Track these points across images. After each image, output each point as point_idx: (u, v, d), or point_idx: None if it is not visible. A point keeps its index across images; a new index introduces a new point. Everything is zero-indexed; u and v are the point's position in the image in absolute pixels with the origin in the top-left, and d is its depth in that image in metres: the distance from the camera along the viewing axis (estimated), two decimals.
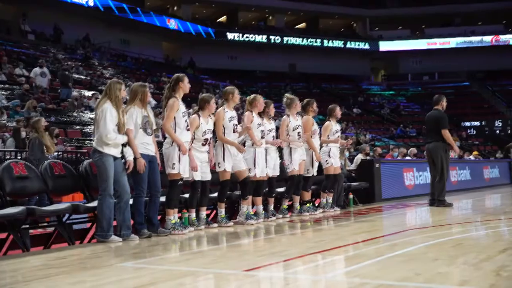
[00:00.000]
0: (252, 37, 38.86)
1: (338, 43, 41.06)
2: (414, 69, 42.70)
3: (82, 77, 22.29)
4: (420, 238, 5.74)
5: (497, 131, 35.22)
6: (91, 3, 30.60)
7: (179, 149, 6.25)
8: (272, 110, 7.90)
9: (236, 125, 7.18)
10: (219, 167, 7.09)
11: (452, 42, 41.66)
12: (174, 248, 5.46)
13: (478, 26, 42.26)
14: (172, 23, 35.87)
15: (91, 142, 14.02)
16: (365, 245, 5.36)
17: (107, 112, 5.70)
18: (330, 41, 40.78)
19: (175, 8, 38.98)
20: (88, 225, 6.51)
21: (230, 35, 38.28)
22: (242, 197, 7.32)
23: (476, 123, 35.10)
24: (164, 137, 6.77)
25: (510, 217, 7.85)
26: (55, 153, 10.42)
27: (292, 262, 4.48)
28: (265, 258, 4.75)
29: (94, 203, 6.02)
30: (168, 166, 6.34)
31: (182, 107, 6.34)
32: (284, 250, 5.21)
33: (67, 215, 5.98)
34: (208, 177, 6.84)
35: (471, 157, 20.14)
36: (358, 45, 41.65)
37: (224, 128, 7.04)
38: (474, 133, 34.76)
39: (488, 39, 41.44)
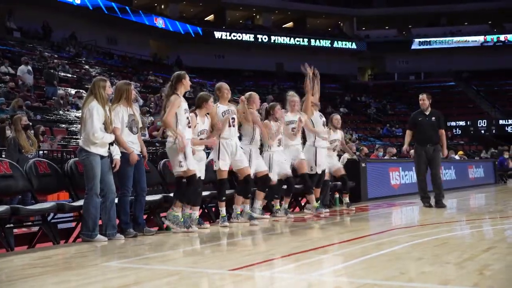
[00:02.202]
0: (239, 36, 38.85)
1: (325, 43, 41.21)
2: (400, 68, 42.97)
3: (69, 75, 22.13)
4: (405, 237, 5.78)
5: (482, 131, 35.59)
6: (78, 1, 30.37)
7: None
8: (277, 113, 7.92)
9: (233, 119, 7.17)
10: (215, 166, 7.09)
11: (438, 42, 42.00)
12: (160, 247, 5.45)
13: (464, 26, 42.69)
14: (160, 22, 35.75)
15: (78, 141, 13.99)
16: (350, 244, 5.38)
17: (93, 110, 5.66)
18: (317, 41, 40.91)
19: (163, 6, 38.88)
20: (73, 224, 6.47)
21: (217, 34, 38.24)
22: (244, 196, 7.35)
23: (462, 123, 35.42)
24: (163, 137, 6.75)
25: (494, 217, 7.93)
26: (41, 152, 10.33)
27: (277, 261, 4.49)
28: (251, 257, 4.75)
29: (80, 202, 5.99)
30: (175, 165, 6.30)
31: (184, 104, 6.28)
32: (270, 250, 5.22)
33: (52, 214, 5.95)
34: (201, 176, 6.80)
35: (456, 157, 20.33)
36: (345, 44, 41.82)
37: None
38: (460, 132, 35.07)
39: (473, 39, 41.83)
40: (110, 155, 5.88)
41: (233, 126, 7.16)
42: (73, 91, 19.06)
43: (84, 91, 19.51)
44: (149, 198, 6.48)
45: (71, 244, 5.98)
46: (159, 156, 10.58)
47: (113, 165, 5.88)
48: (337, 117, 9.45)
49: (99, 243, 5.63)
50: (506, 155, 22.07)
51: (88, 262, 4.67)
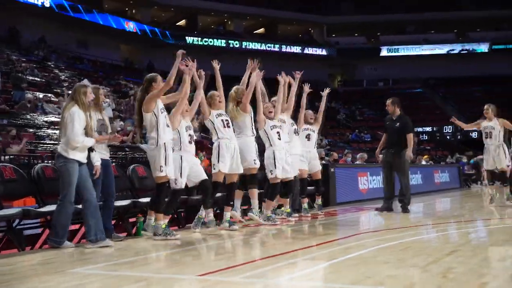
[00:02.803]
0: (211, 41, 38.85)
1: (296, 49, 41.54)
2: (369, 75, 43.53)
3: (37, 79, 21.78)
4: (372, 241, 5.87)
5: (448, 137, 36.32)
6: (46, 4, 29.92)
7: (165, 150, 6.07)
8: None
9: (227, 120, 7.18)
10: (214, 169, 7.03)
11: (406, 50, 42.78)
12: (128, 253, 5.41)
13: (431, 35, 43.58)
14: (131, 26, 35.49)
15: (46, 146, 13.78)
16: (318, 249, 5.44)
17: (75, 115, 5.60)
18: (288, 47, 41.21)
19: (134, 11, 38.63)
20: (40, 230, 6.38)
21: (189, 39, 38.16)
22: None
23: (428, 129, 36.10)
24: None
25: (459, 220, 8.10)
26: (7, 157, 10.14)
27: (246, 266, 4.51)
28: (220, 262, 4.76)
29: (46, 208, 5.91)
30: (155, 169, 6.13)
31: (159, 104, 6.18)
32: (239, 255, 5.25)
33: (17, 221, 5.85)
34: (202, 176, 6.76)
35: (423, 161, 20.73)
36: (316, 51, 42.24)
37: (214, 125, 7.09)
38: (426, 138, 35.71)
39: (440, 47, 42.75)
40: (89, 162, 5.82)
41: (229, 127, 7.14)
42: (41, 95, 18.77)
43: (53, 95, 19.23)
44: (117, 203, 6.43)
45: (37, 251, 5.90)
46: (128, 161, 10.51)
47: (94, 172, 5.83)
48: (309, 113, 9.42)
49: (66, 249, 5.57)
50: (464, 159, 22.67)
51: (54, 269, 4.61)
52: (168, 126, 6.20)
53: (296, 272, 4.39)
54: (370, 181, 12.88)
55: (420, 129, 35.08)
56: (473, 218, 8.67)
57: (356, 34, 44.50)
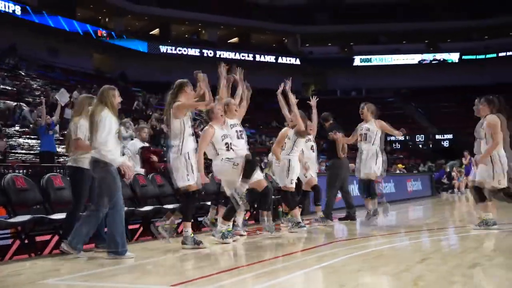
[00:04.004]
0: (185, 51, 38.83)
1: (270, 58, 41.77)
2: (342, 85, 43.96)
3: (8, 88, 21.45)
4: (345, 250, 5.91)
5: (420, 146, 36.87)
6: (17, 12, 29.53)
7: (188, 158, 6.02)
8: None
9: (241, 131, 7.06)
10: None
11: (379, 60, 43.39)
12: (100, 264, 5.34)
13: (402, 45, 44.28)
14: (104, 34, 35.24)
15: (16, 155, 13.55)
16: (292, 258, 5.46)
17: (107, 119, 5.45)
18: (262, 56, 41.43)
19: (107, 19, 38.37)
20: (10, 241, 6.26)
21: (163, 48, 38.09)
22: (263, 209, 7.35)
23: (401, 138, 36.50)
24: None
25: (431, 228, 8.21)
26: None
27: (219, 276, 4.49)
28: (194, 272, 4.75)
29: (17, 219, 5.81)
30: (179, 179, 6.02)
31: (189, 113, 6.19)
32: (212, 264, 5.23)
33: None
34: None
35: (397, 170, 21.01)
36: (290, 60, 42.53)
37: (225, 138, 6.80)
38: (399, 147, 36.17)
39: (411, 57, 43.48)
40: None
41: (242, 138, 7.03)
42: (13, 104, 18.49)
43: (24, 104, 18.95)
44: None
45: (7, 262, 5.79)
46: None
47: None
48: (309, 124, 9.13)
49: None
50: (447, 169, 22.48)
51: (24, 281, 4.53)
52: (192, 135, 6.19)
53: (271, 281, 4.38)
54: None
55: (393, 138, 35.48)
56: (444, 226, 8.80)
57: (329, 44, 44.98)
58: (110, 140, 5.43)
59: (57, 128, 13.93)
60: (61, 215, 6.21)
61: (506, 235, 6.91)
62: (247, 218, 8.40)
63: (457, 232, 7.74)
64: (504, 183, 6.96)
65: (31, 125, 16.25)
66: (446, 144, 36.64)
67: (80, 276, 4.76)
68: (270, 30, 43.34)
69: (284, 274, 4.64)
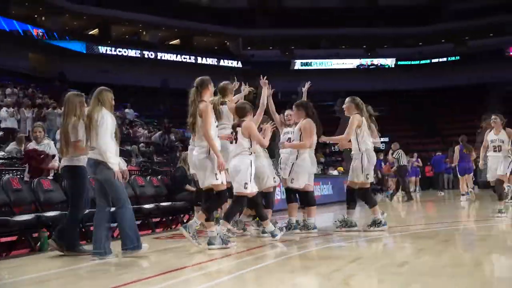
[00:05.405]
0: (125, 52, 38.13)
1: (212, 61, 41.68)
2: (283, 87, 44.40)
3: None
4: (279, 251, 6.01)
5: None
6: None
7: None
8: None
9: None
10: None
11: (319, 64, 44.21)
12: (33, 269, 5.18)
13: (342, 50, 45.29)
14: (40, 33, 34.15)
15: None
16: (227, 260, 5.48)
17: (107, 119, 5.42)
18: (204, 58, 41.29)
19: (43, 18, 37.20)
20: None
21: (102, 49, 37.28)
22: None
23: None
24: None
25: (366, 229, 8.38)
26: None
27: (152, 280, 4.46)
28: (126, 276, 4.69)
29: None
30: (208, 178, 5.97)
31: (212, 112, 6.14)
32: (146, 268, 5.20)
33: None
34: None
35: (335, 172, 21.43)
36: (232, 63, 42.59)
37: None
38: (338, 149, 36.91)
39: (350, 62, 44.55)
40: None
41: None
42: None
43: None
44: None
45: None
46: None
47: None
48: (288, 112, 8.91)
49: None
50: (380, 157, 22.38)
51: None
52: (218, 136, 6.19)
53: (203, 284, 4.39)
54: (283, 192, 13.06)
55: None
56: (380, 226, 8.98)
57: (271, 48, 45.40)
58: (110, 142, 5.44)
59: None
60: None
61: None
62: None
63: (391, 232, 7.93)
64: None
65: None
66: (382, 146, 37.60)
67: (9, 283, 4.62)
68: (212, 32, 43.25)
69: (216, 278, 4.64)
